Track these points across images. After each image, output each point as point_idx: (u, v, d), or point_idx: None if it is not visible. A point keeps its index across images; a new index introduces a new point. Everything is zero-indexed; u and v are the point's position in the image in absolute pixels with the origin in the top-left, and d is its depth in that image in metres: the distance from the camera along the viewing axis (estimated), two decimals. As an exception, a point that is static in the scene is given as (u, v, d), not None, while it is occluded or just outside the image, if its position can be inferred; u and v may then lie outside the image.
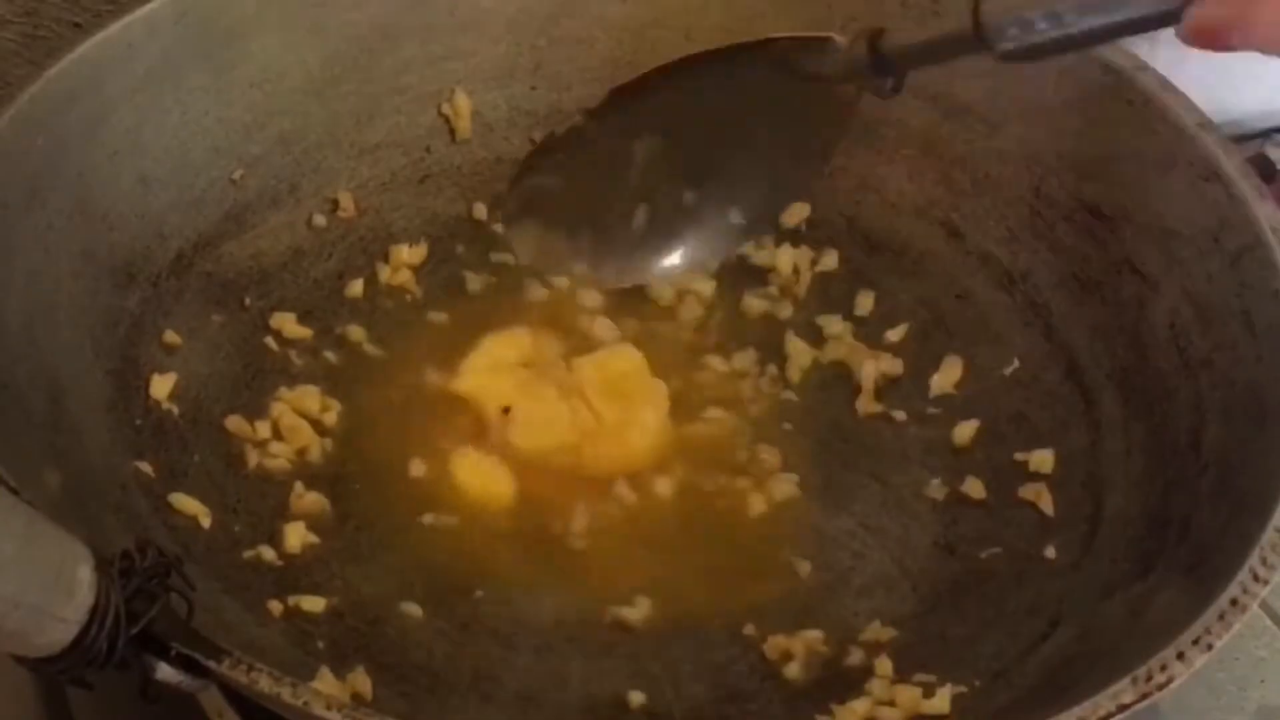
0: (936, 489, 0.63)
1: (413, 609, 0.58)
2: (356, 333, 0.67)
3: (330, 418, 0.64)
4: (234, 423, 0.62)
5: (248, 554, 0.58)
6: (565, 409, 0.63)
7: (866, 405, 0.66)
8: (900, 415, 0.65)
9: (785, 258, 0.70)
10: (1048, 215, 0.66)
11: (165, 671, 0.44)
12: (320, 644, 0.56)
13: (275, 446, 0.62)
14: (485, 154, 0.72)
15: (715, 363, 0.67)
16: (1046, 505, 0.61)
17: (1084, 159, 0.65)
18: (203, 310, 0.65)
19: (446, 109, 0.71)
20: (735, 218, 0.69)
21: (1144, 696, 0.47)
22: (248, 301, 0.66)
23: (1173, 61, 0.61)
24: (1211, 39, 0.46)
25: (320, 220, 0.69)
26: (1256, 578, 0.49)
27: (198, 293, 0.65)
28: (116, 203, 0.62)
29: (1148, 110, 0.63)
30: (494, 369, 0.65)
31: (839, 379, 0.67)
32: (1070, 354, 0.65)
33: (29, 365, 0.56)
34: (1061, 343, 0.65)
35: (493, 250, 0.70)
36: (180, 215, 0.65)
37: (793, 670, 0.57)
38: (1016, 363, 0.66)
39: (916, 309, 0.69)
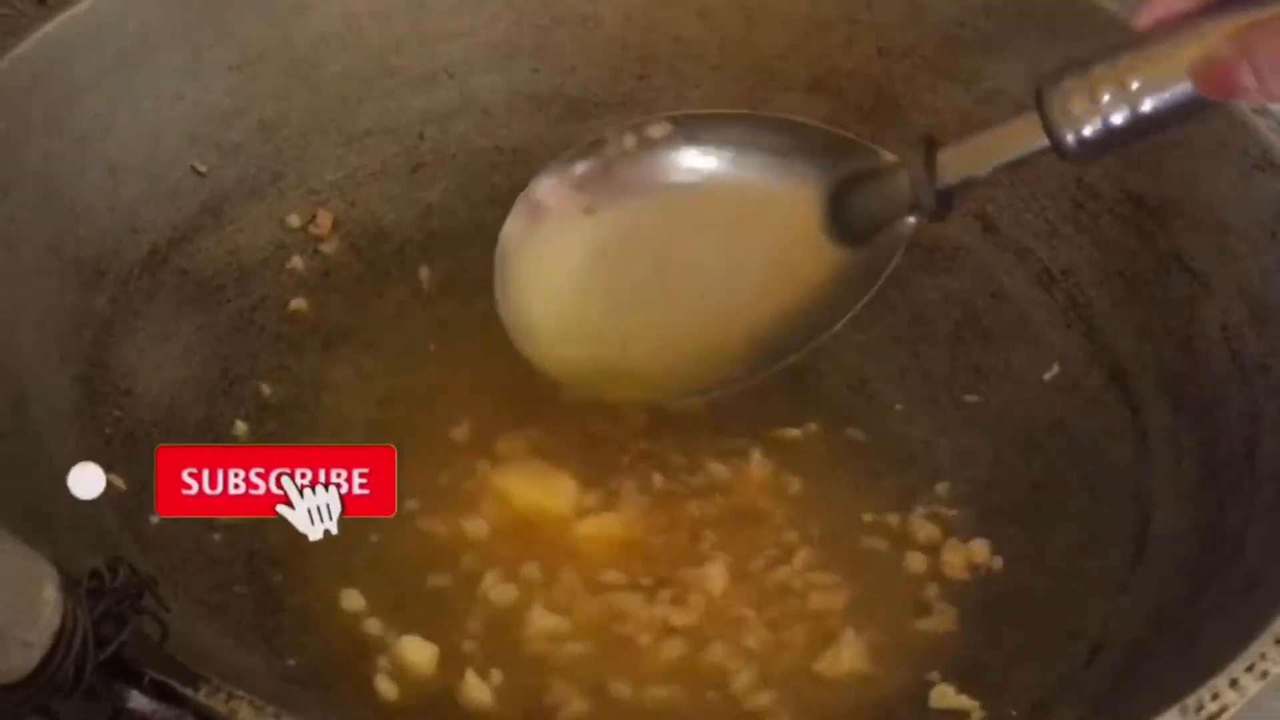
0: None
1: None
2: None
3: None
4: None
5: (226, 573, 0.58)
6: None
7: None
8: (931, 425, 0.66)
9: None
10: (1090, 207, 0.66)
11: (137, 700, 0.44)
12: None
13: (256, 457, 0.62)
14: (483, 142, 0.72)
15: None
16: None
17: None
18: (177, 310, 0.64)
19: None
20: None
21: (1194, 728, 0.46)
22: (226, 301, 0.66)
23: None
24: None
25: (302, 216, 0.69)
26: (1316, 599, 0.49)
27: (172, 291, 0.64)
28: (84, 194, 0.62)
29: (1198, 94, 0.63)
30: None
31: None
32: (1115, 357, 0.65)
33: (-11, 369, 0.55)
34: (1105, 345, 0.65)
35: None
36: (153, 208, 0.64)
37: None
38: (1056, 367, 0.66)
39: (948, 308, 0.69)
